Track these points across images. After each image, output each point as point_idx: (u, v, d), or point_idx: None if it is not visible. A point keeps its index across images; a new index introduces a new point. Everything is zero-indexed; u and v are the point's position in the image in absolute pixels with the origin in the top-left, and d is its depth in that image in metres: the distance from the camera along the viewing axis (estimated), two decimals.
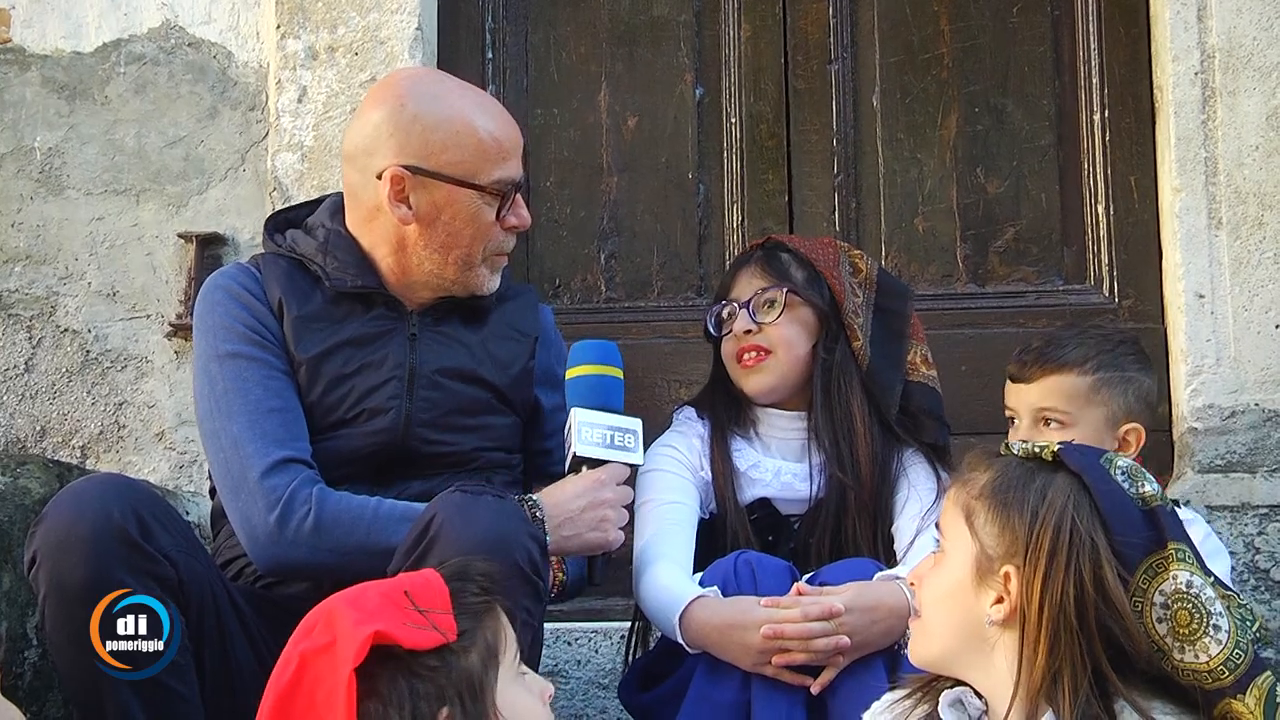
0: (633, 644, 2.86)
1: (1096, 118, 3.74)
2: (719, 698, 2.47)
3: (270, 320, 2.63)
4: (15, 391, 3.76)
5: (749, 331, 2.83)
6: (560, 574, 2.60)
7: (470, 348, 2.70)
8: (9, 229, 3.81)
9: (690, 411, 2.94)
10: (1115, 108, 3.72)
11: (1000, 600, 1.90)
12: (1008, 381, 2.83)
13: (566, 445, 2.53)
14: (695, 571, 2.66)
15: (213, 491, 2.63)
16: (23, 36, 3.86)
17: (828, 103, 3.83)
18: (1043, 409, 2.74)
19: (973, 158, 3.80)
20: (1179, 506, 2.66)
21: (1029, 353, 2.79)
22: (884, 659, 2.46)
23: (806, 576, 2.56)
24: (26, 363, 3.77)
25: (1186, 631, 1.90)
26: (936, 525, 2.03)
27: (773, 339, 2.83)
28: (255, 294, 2.65)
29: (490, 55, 3.92)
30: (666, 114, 3.88)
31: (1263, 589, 3.33)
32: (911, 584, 2.04)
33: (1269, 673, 1.91)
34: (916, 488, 2.78)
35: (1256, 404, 3.46)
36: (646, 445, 2.64)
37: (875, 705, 2.11)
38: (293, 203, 3.40)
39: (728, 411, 2.90)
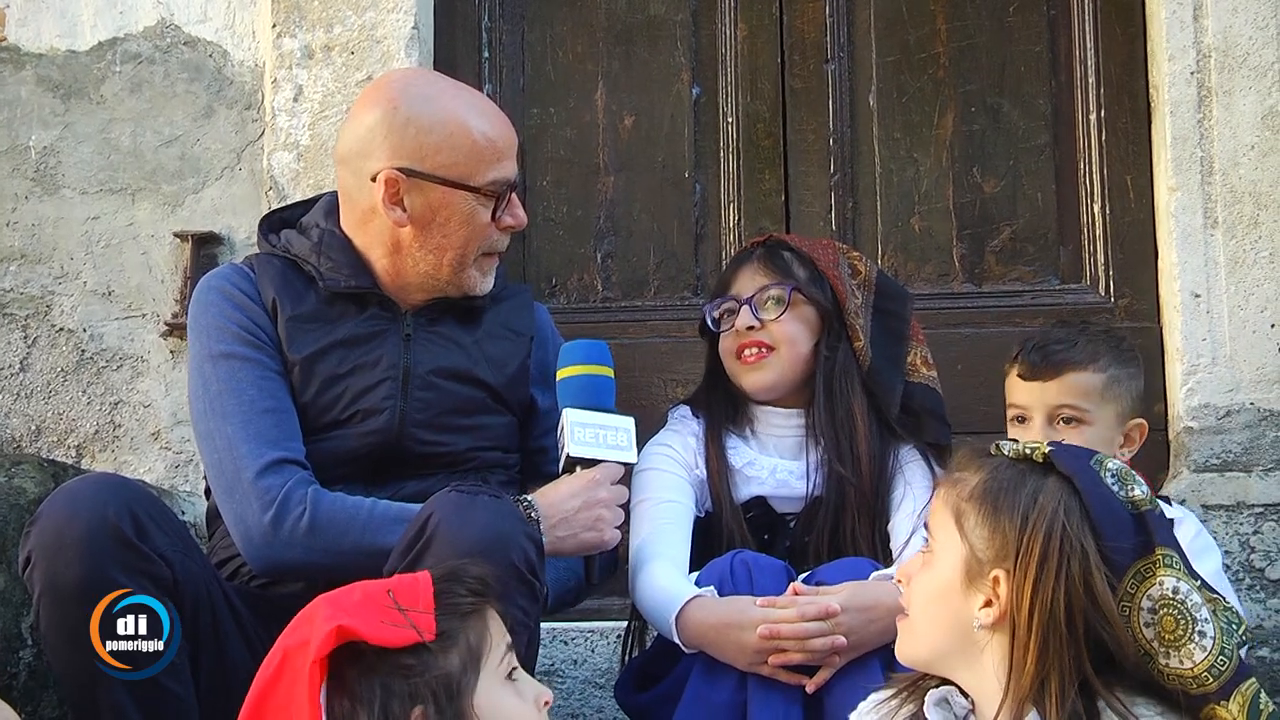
0: (629, 644, 2.86)
1: (1092, 117, 3.74)
2: (715, 697, 2.47)
3: (264, 320, 2.63)
4: (10, 391, 3.75)
5: (751, 328, 2.83)
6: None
7: (465, 347, 2.70)
8: (4, 228, 3.80)
9: (685, 410, 2.94)
10: (1111, 107, 3.72)
11: (989, 603, 1.90)
12: (1015, 379, 2.81)
13: (560, 446, 2.53)
14: (691, 570, 2.66)
15: (208, 491, 2.63)
16: (18, 35, 3.86)
17: (824, 102, 3.83)
18: (1061, 406, 2.73)
19: (969, 157, 3.80)
20: (1169, 504, 2.67)
21: (1040, 350, 2.77)
22: (880, 658, 2.46)
23: (803, 576, 2.56)
24: (22, 362, 3.76)
25: (1172, 637, 1.90)
26: (925, 525, 2.02)
27: (776, 336, 2.82)
28: (249, 294, 2.65)
29: (487, 54, 3.91)
30: (663, 113, 3.88)
31: (1258, 588, 3.34)
32: (899, 581, 2.03)
33: (1253, 679, 1.92)
34: (913, 486, 2.78)
35: (1252, 403, 3.47)
36: (641, 444, 2.65)
37: (861, 705, 2.11)
38: (289, 202, 3.40)
39: (723, 409, 2.90)
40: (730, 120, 3.85)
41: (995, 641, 1.90)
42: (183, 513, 3.27)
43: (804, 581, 2.53)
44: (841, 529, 2.77)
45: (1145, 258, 3.67)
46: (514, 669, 1.91)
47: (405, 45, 3.72)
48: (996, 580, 1.89)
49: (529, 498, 2.46)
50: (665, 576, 2.60)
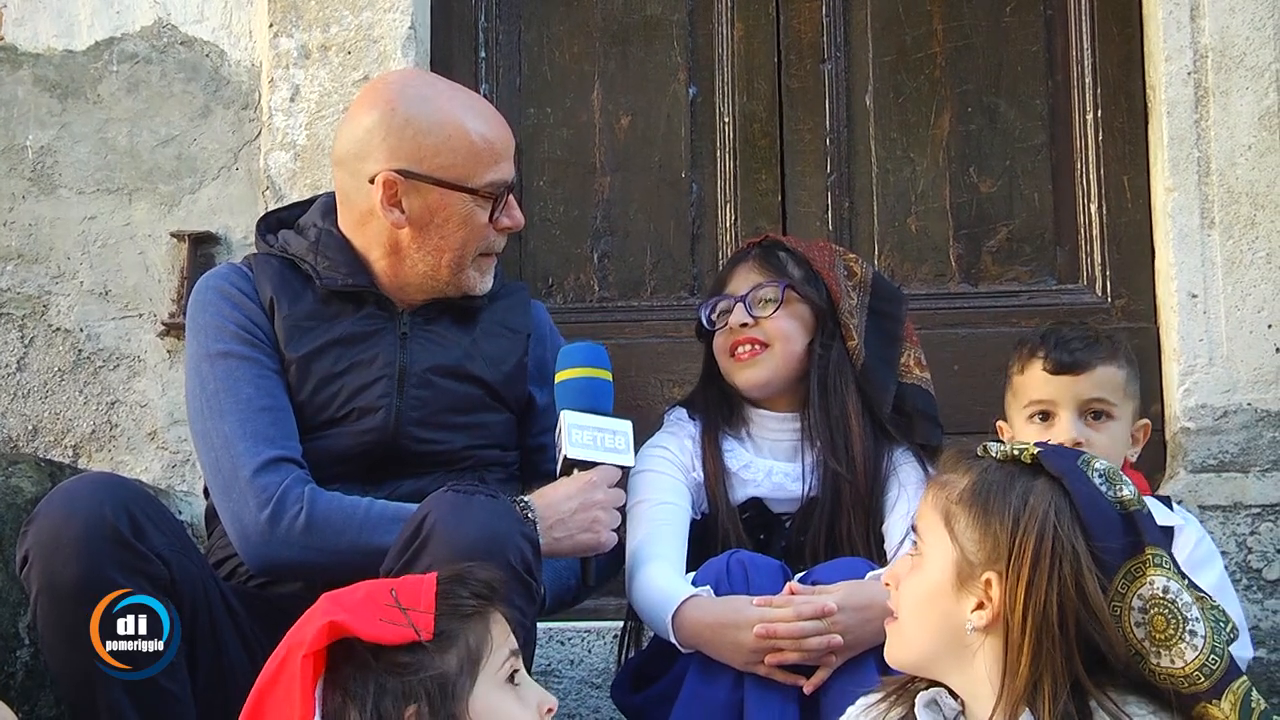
0: (625, 644, 2.86)
1: (1089, 117, 3.74)
2: (712, 697, 2.47)
3: (262, 319, 2.63)
4: (7, 391, 3.75)
5: (745, 325, 2.83)
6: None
7: (461, 346, 2.70)
8: (1, 228, 3.80)
9: (681, 412, 2.95)
10: (1108, 107, 3.72)
11: (981, 606, 1.89)
12: (1037, 375, 2.75)
13: (557, 448, 2.53)
14: (688, 571, 2.66)
15: (206, 491, 2.63)
16: (15, 35, 3.86)
17: (821, 102, 3.83)
18: (1093, 400, 2.70)
19: (965, 157, 3.80)
20: (1171, 508, 2.66)
21: (1067, 345, 2.73)
22: (875, 658, 2.44)
23: (799, 575, 2.56)
24: (19, 362, 3.76)
25: (1163, 637, 1.90)
26: (913, 527, 2.02)
27: (770, 332, 2.83)
28: (247, 293, 2.65)
29: (483, 54, 3.91)
30: (660, 113, 3.88)
31: (1255, 588, 3.34)
32: (887, 584, 2.03)
33: (1244, 678, 1.92)
34: (906, 486, 2.78)
35: (1249, 404, 3.47)
36: (638, 446, 2.65)
37: (850, 710, 2.10)
38: (285, 202, 3.41)
39: (719, 412, 2.90)
40: (727, 120, 3.85)
41: (987, 644, 1.90)
42: (179, 512, 3.28)
43: (800, 581, 2.53)
44: (837, 529, 2.77)
45: (1142, 258, 3.67)
46: (516, 673, 1.90)
47: (402, 45, 3.72)
48: (988, 582, 1.88)
49: (526, 498, 2.46)
50: (662, 577, 2.60)
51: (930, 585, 1.94)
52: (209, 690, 2.40)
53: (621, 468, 2.55)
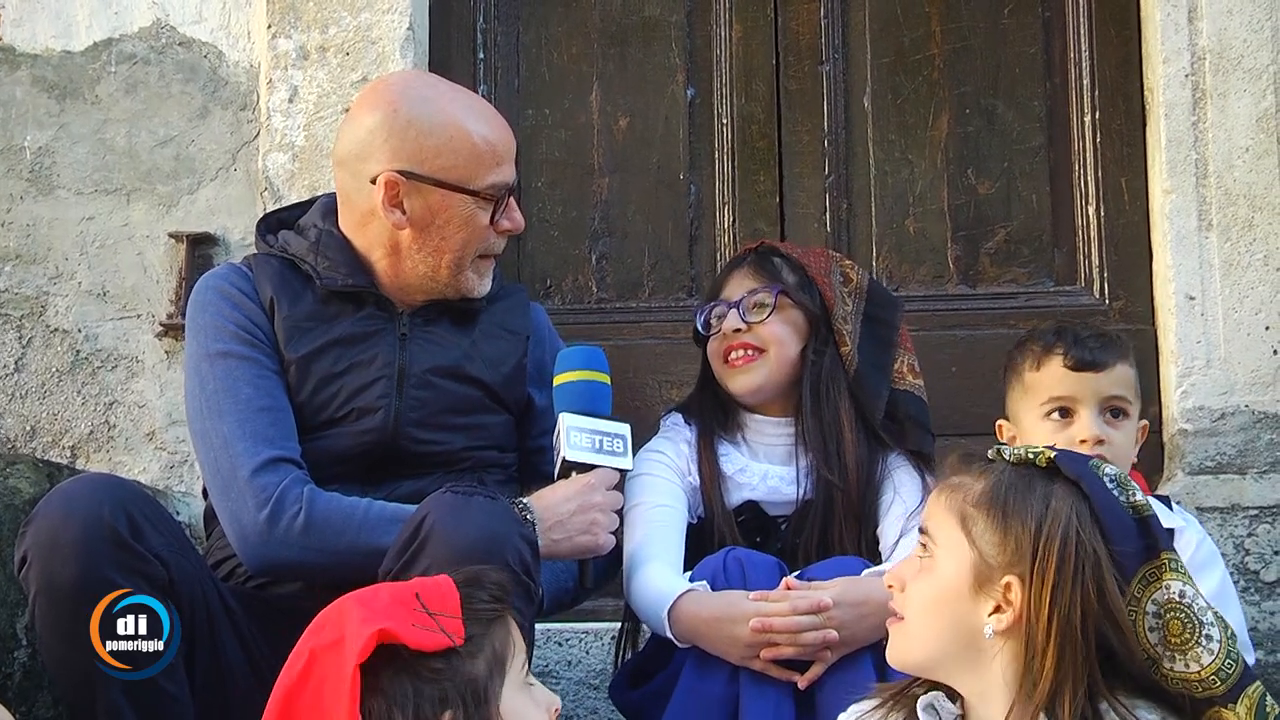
0: (623, 645, 2.87)
1: (1087, 119, 3.74)
2: (707, 691, 2.47)
3: (262, 319, 2.63)
4: (5, 391, 3.75)
5: (738, 330, 2.84)
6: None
7: (461, 347, 2.70)
8: None
9: (677, 417, 2.95)
10: (1106, 109, 3.73)
11: (998, 609, 1.88)
12: (1056, 371, 2.71)
13: (555, 451, 2.53)
14: (685, 573, 2.66)
15: (205, 492, 2.63)
16: (13, 36, 3.86)
17: (819, 104, 3.84)
18: (1113, 398, 2.68)
19: (964, 159, 3.80)
20: (1171, 509, 2.66)
21: (1084, 342, 2.71)
22: (871, 654, 2.46)
23: (795, 574, 2.56)
24: (16, 362, 3.76)
25: (1179, 641, 1.90)
26: (922, 530, 2.01)
27: (764, 337, 2.83)
28: (247, 293, 2.65)
29: (482, 55, 3.92)
30: (658, 115, 3.88)
31: (1252, 590, 3.34)
32: (890, 586, 2.02)
33: (1259, 683, 1.92)
34: (901, 491, 2.78)
35: (1246, 406, 3.47)
36: (636, 447, 2.65)
37: (841, 717, 2.10)
38: (284, 203, 3.42)
39: (715, 417, 2.91)
40: (725, 122, 3.85)
41: (1004, 647, 1.89)
42: (177, 513, 3.28)
43: (796, 579, 2.53)
44: (830, 533, 2.78)
45: (1140, 260, 3.67)
46: (528, 675, 1.92)
47: (400, 46, 3.72)
48: (1008, 586, 1.87)
49: (525, 500, 2.46)
50: (660, 576, 2.60)
51: (944, 588, 1.93)
52: (207, 690, 2.40)
53: (620, 470, 2.56)
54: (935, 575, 1.94)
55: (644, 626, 2.71)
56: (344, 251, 2.68)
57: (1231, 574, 3.26)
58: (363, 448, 2.61)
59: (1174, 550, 1.94)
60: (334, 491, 2.49)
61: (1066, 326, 2.77)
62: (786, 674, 2.45)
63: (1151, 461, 3.48)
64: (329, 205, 2.75)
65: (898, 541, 2.71)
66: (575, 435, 2.51)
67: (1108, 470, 1.95)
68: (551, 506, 2.45)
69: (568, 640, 3.42)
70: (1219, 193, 3.52)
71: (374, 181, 2.61)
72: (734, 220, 3.82)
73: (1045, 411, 2.71)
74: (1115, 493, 1.92)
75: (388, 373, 2.63)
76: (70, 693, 2.32)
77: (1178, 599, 1.90)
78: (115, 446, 3.72)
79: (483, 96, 3.30)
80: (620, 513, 2.57)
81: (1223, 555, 3.13)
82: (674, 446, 2.87)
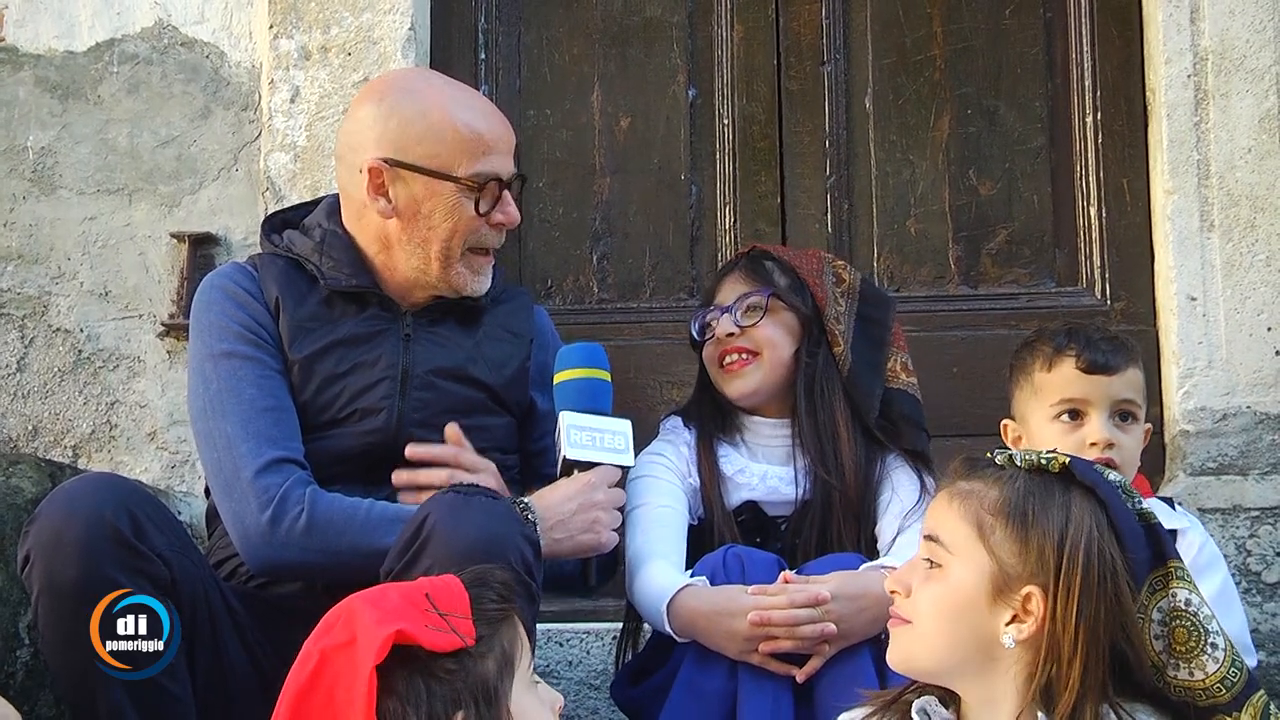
0: (624, 645, 2.87)
1: (1089, 120, 3.74)
2: (706, 686, 2.48)
3: (266, 319, 2.63)
4: (7, 391, 3.75)
5: (731, 334, 2.85)
6: None
7: (464, 348, 2.70)
8: (1, 228, 3.81)
9: (676, 420, 2.96)
10: (1107, 110, 3.73)
11: (1016, 619, 1.88)
12: (1068, 373, 2.70)
13: (557, 449, 2.53)
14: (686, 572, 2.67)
15: (208, 491, 2.63)
16: (15, 36, 3.86)
17: (820, 104, 3.84)
18: (1124, 401, 2.68)
19: (965, 159, 3.80)
20: (1174, 510, 2.66)
21: (1096, 344, 2.70)
22: (870, 648, 2.47)
23: (793, 570, 2.57)
24: (19, 362, 3.76)
25: (1184, 649, 1.90)
26: (930, 537, 2.00)
27: (757, 340, 2.84)
28: (252, 293, 2.65)
29: (483, 56, 3.92)
30: (659, 115, 3.88)
31: (1254, 591, 3.34)
32: (895, 592, 2.01)
33: (1262, 691, 1.93)
34: (899, 490, 2.78)
35: (1248, 406, 3.47)
36: (637, 447, 2.65)
37: None
38: (286, 203, 3.42)
39: (714, 419, 2.92)
40: (726, 122, 3.85)
41: (1018, 655, 1.89)
42: (179, 513, 3.27)
43: (795, 574, 2.54)
44: (829, 532, 2.78)
45: (1141, 261, 3.67)
46: (533, 674, 1.92)
47: (402, 46, 3.72)
48: (1029, 597, 1.87)
49: (526, 500, 2.45)
50: (660, 572, 2.61)
51: (959, 597, 1.91)
52: (209, 690, 2.40)
53: (621, 467, 2.55)
54: (949, 583, 1.93)
55: (645, 626, 2.72)
56: (348, 251, 2.68)
57: (1233, 575, 3.26)
58: (365, 448, 2.61)
59: (1179, 558, 1.94)
60: (336, 492, 2.49)
61: (1078, 328, 2.76)
62: (785, 668, 2.46)
63: (1153, 462, 3.48)
64: (334, 205, 2.75)
65: (895, 539, 2.71)
66: (575, 433, 2.51)
67: (1113, 478, 1.95)
68: (553, 506, 2.45)
69: (569, 640, 3.42)
70: (1221, 194, 3.52)
71: (361, 171, 2.61)
72: (735, 221, 3.82)
73: (1055, 413, 2.70)
74: (1124, 500, 1.92)
75: (391, 374, 2.63)
76: (72, 692, 2.32)
77: (1184, 607, 1.90)
78: (117, 446, 3.72)
79: (481, 95, 3.29)
80: (622, 510, 2.57)
81: (1224, 556, 3.14)
82: (674, 449, 2.87)
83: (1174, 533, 2.57)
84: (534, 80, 3.92)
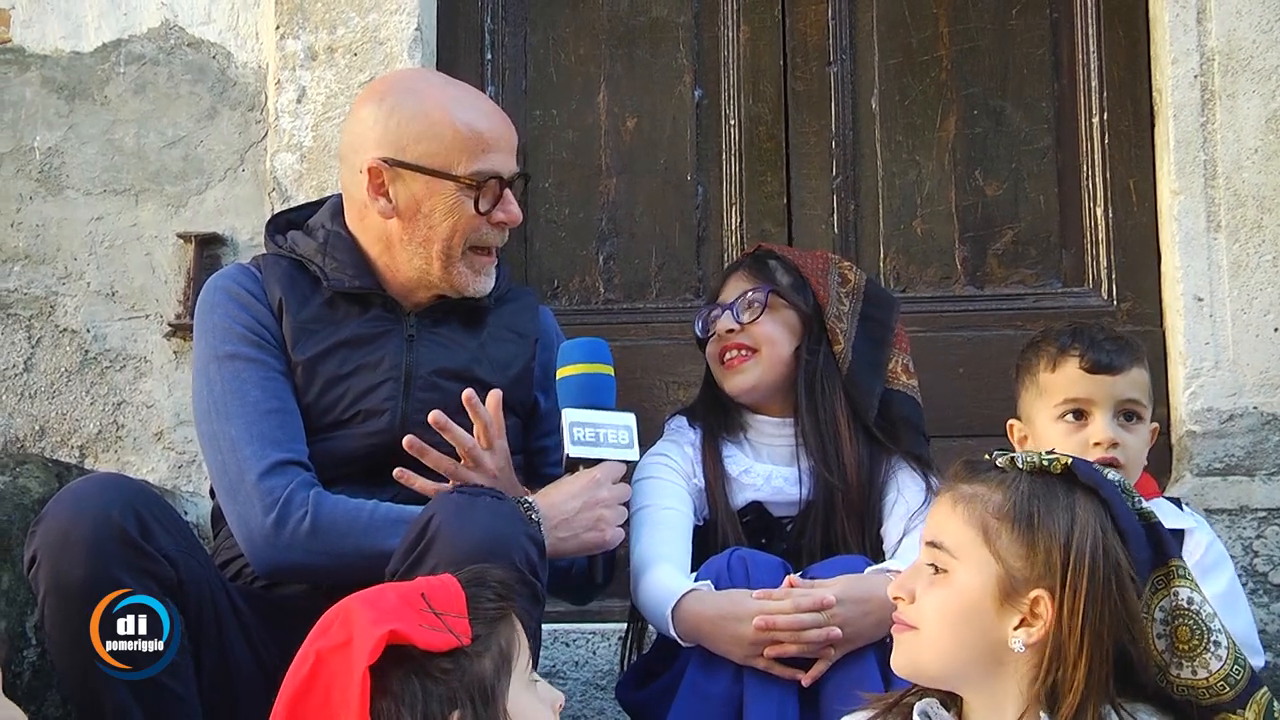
0: (629, 645, 2.87)
1: (1095, 120, 3.74)
2: (711, 690, 2.48)
3: (270, 321, 2.63)
4: (14, 391, 3.76)
5: (731, 330, 2.85)
6: None
7: (468, 349, 2.70)
8: (8, 229, 3.81)
9: (681, 420, 2.96)
10: (1114, 110, 3.72)
11: (1024, 623, 1.87)
12: (1072, 373, 2.69)
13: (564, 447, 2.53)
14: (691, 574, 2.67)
15: (213, 492, 2.63)
16: (22, 36, 3.87)
17: (826, 105, 3.84)
18: (1128, 401, 2.66)
19: (971, 160, 3.80)
20: (1181, 510, 2.65)
21: (1100, 344, 2.69)
22: (875, 651, 2.47)
23: (798, 572, 2.57)
24: (25, 362, 3.77)
25: (1187, 648, 1.90)
26: (933, 543, 1.99)
27: (756, 337, 2.85)
28: (256, 295, 2.65)
29: (489, 56, 3.92)
30: (665, 116, 3.88)
31: (1261, 592, 3.33)
32: (899, 598, 1.99)
33: (1266, 689, 1.93)
34: (904, 491, 2.79)
35: (1255, 407, 3.47)
36: (644, 443, 2.64)
37: None
38: (292, 203, 3.42)
39: (718, 418, 2.92)
40: (732, 123, 3.85)
41: (1024, 658, 1.88)
42: (185, 513, 3.27)
43: (800, 577, 2.54)
44: (832, 533, 2.78)
45: (1148, 261, 3.67)
46: (532, 672, 1.92)
47: (408, 47, 3.72)
48: (1037, 600, 1.86)
49: (530, 499, 2.45)
50: (665, 576, 2.61)
51: (966, 601, 1.91)
52: (214, 690, 2.41)
53: (626, 462, 2.55)
54: (954, 588, 1.92)
55: (650, 627, 2.72)
56: (352, 252, 2.68)
57: (1240, 576, 3.26)
58: (369, 449, 2.61)
59: (1181, 557, 1.94)
60: (340, 493, 2.49)
61: (1082, 328, 2.76)
62: (790, 672, 2.46)
63: (1160, 463, 3.47)
64: (338, 205, 2.76)
65: (900, 541, 2.71)
66: (578, 430, 2.50)
67: (1113, 477, 1.94)
68: (557, 504, 2.45)
69: (575, 641, 3.42)
70: (1228, 194, 3.52)
71: (361, 171, 2.62)
72: (741, 221, 3.82)
73: (1060, 413, 2.69)
74: (1126, 500, 1.92)
75: (394, 374, 2.63)
76: (78, 692, 2.33)
77: (1186, 605, 1.90)
78: (124, 446, 3.73)
79: (490, 97, 3.30)
80: (627, 505, 2.56)
81: (1231, 557, 3.14)
82: (678, 449, 2.88)
83: (1180, 533, 2.58)
84: (540, 81, 3.92)
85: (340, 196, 2.76)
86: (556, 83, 3.92)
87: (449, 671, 1.80)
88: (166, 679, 2.29)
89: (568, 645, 3.41)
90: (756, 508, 2.84)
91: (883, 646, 2.46)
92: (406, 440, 2.49)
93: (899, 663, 1.99)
